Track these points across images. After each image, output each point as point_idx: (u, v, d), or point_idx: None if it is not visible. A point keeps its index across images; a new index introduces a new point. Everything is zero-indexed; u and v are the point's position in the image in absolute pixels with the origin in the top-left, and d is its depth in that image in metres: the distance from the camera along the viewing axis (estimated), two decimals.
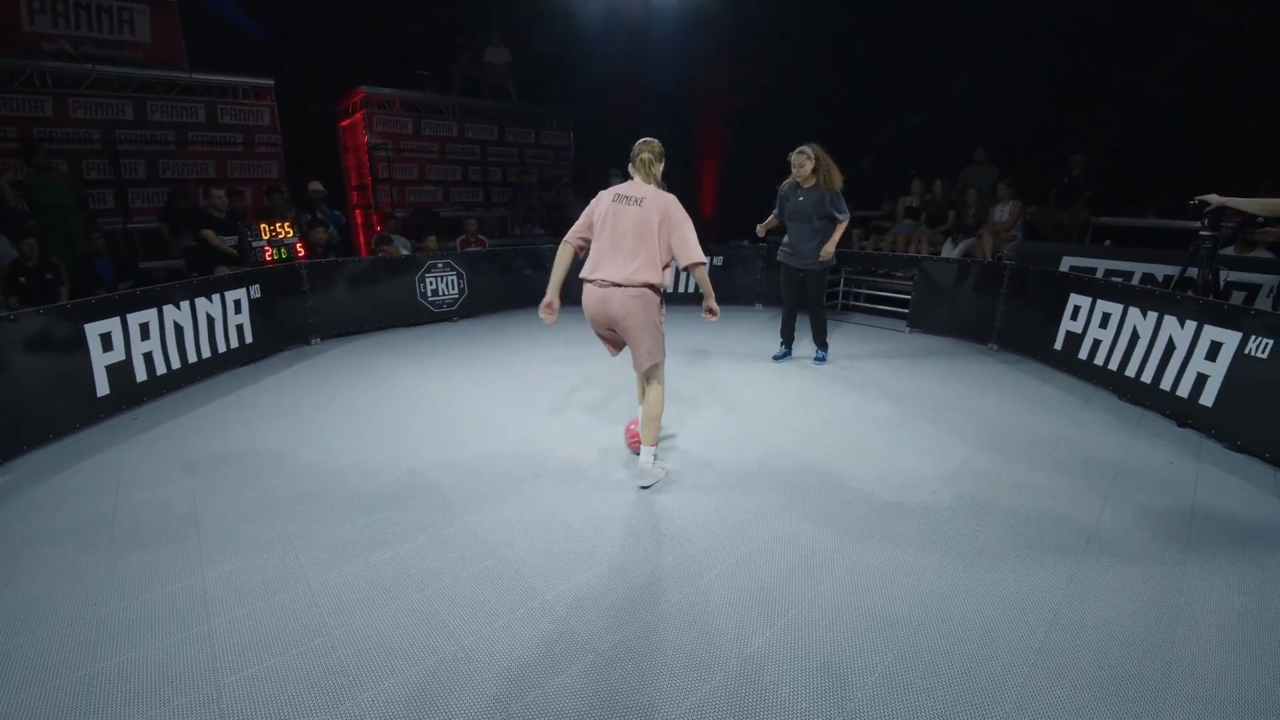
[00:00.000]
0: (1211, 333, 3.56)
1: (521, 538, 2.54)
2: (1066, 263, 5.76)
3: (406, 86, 9.61)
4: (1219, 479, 3.09)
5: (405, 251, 7.20)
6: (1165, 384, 3.84)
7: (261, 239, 5.90)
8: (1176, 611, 2.08)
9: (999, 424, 3.79)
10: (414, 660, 1.87)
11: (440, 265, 6.76)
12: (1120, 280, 4.69)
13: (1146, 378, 3.99)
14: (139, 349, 4.15)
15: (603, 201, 2.86)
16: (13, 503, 2.88)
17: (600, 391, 4.38)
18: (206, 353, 4.74)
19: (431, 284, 6.73)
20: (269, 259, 5.89)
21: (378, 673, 1.82)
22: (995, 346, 5.59)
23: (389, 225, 7.73)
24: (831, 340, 5.77)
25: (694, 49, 10.02)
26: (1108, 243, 6.32)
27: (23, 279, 5.08)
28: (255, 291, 5.22)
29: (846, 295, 7.50)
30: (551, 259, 8.04)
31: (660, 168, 2.92)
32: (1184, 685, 1.77)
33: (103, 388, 3.89)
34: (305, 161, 9.20)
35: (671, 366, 4.98)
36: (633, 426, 3.24)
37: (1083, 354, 4.57)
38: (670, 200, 2.83)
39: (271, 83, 8.39)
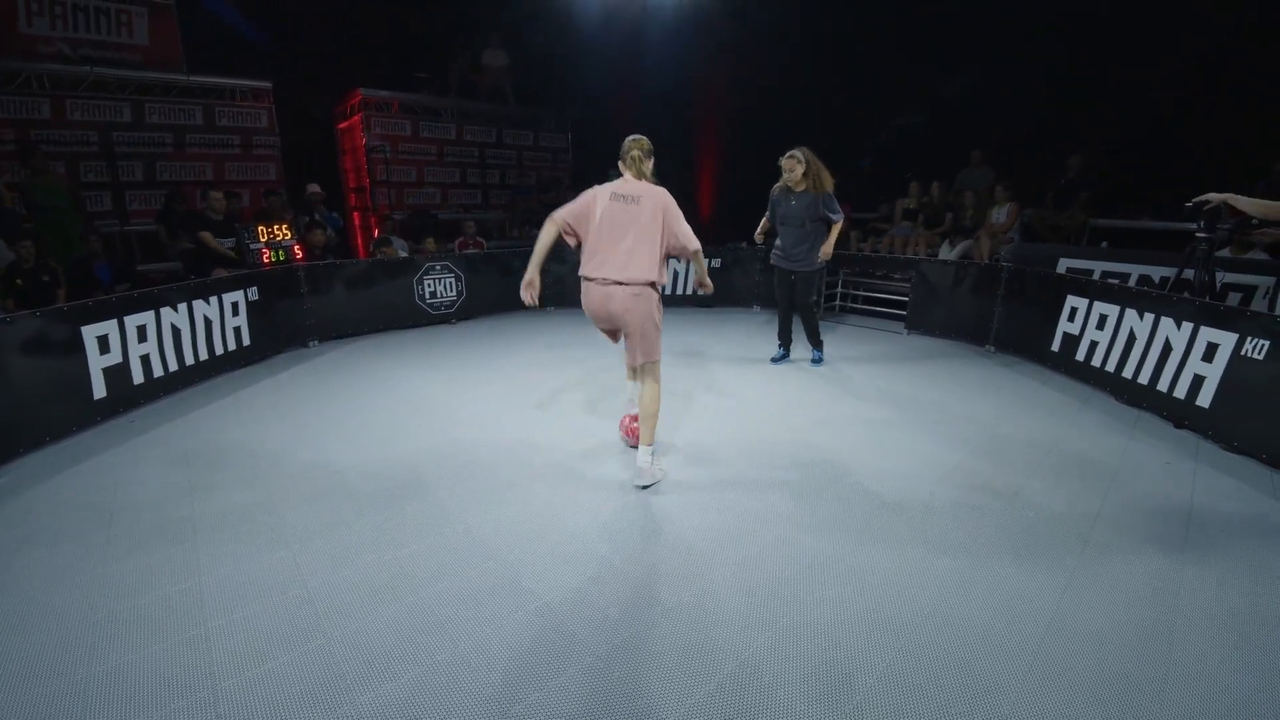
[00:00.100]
0: (1208, 334, 3.57)
1: (520, 540, 2.54)
2: (1063, 264, 5.77)
3: (405, 89, 9.61)
4: (1216, 480, 3.10)
5: (404, 254, 7.20)
6: (1162, 385, 3.85)
7: (259, 241, 5.89)
8: (1174, 613, 2.09)
9: (997, 426, 3.80)
10: (412, 663, 1.86)
11: (438, 267, 6.76)
12: (1117, 282, 4.70)
13: (1143, 379, 4.00)
14: (136, 351, 4.13)
15: (599, 199, 2.87)
16: (9, 505, 2.87)
17: (598, 392, 4.38)
18: (204, 355, 4.73)
19: (429, 286, 6.73)
20: (267, 261, 5.89)
21: (376, 675, 1.82)
22: (993, 348, 5.60)
23: (387, 227, 7.73)
24: (829, 342, 5.78)
25: (692, 50, 10.04)
26: (1104, 244, 6.34)
27: (19, 281, 5.07)
28: (253, 294, 5.21)
29: (844, 297, 7.51)
30: (551, 260, 8.00)
31: (650, 164, 2.96)
32: (1181, 686, 1.77)
33: (100, 390, 3.88)
34: (303, 164, 9.19)
35: (670, 368, 4.98)
36: (627, 420, 3.26)
37: (1080, 355, 4.58)
38: (666, 195, 2.89)
39: (269, 85, 8.39)
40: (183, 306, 4.51)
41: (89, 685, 1.78)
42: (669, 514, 2.74)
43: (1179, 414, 3.73)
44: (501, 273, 7.22)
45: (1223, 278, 4.36)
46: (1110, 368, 4.29)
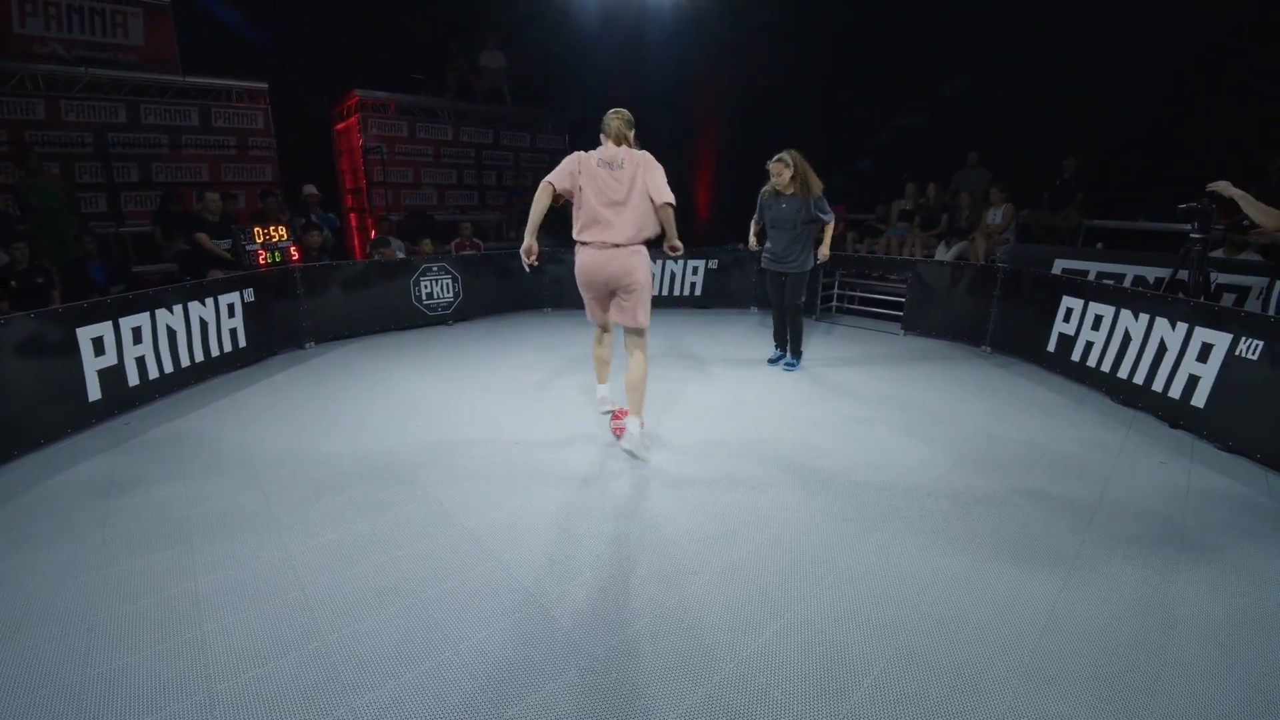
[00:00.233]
0: (1202, 334, 3.59)
1: (518, 541, 2.53)
2: (1059, 265, 5.80)
3: (402, 90, 9.60)
4: (1211, 480, 3.11)
5: (401, 255, 7.20)
6: (1157, 385, 3.87)
7: (255, 242, 5.88)
8: (1169, 613, 2.10)
9: (992, 426, 3.81)
10: (409, 665, 1.86)
11: (435, 268, 6.75)
12: (1112, 283, 4.72)
13: (1139, 379, 4.02)
14: (131, 353, 4.12)
15: (584, 163, 2.99)
16: (4, 508, 2.86)
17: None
18: (200, 357, 4.71)
19: (426, 287, 6.72)
20: (263, 263, 5.87)
21: (373, 678, 1.81)
22: (989, 349, 5.62)
23: (384, 228, 7.72)
24: (827, 343, 5.80)
25: (691, 51, 10.05)
26: (1100, 245, 6.37)
27: (13, 283, 5.05)
28: (249, 295, 5.20)
29: (841, 298, 7.53)
30: (549, 261, 8.03)
31: (631, 134, 3.07)
32: (1177, 687, 1.78)
33: (94, 392, 3.86)
34: (300, 165, 9.17)
35: (666, 368, 5.00)
36: (616, 419, 3.39)
37: (1075, 356, 4.60)
38: (647, 155, 3.03)
39: (266, 86, 8.38)
40: (178, 308, 4.50)
41: (84, 688, 1.77)
42: (666, 515, 2.74)
43: (1174, 414, 3.75)
44: (499, 274, 7.23)
45: (1216, 278, 4.40)
46: (1106, 368, 4.31)
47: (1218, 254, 4.89)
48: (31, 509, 2.86)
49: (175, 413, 4.13)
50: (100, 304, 3.96)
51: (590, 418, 3.90)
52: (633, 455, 3.14)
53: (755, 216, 4.95)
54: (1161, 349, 3.86)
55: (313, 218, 7.31)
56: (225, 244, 6.00)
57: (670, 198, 2.97)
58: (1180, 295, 3.94)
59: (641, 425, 3.15)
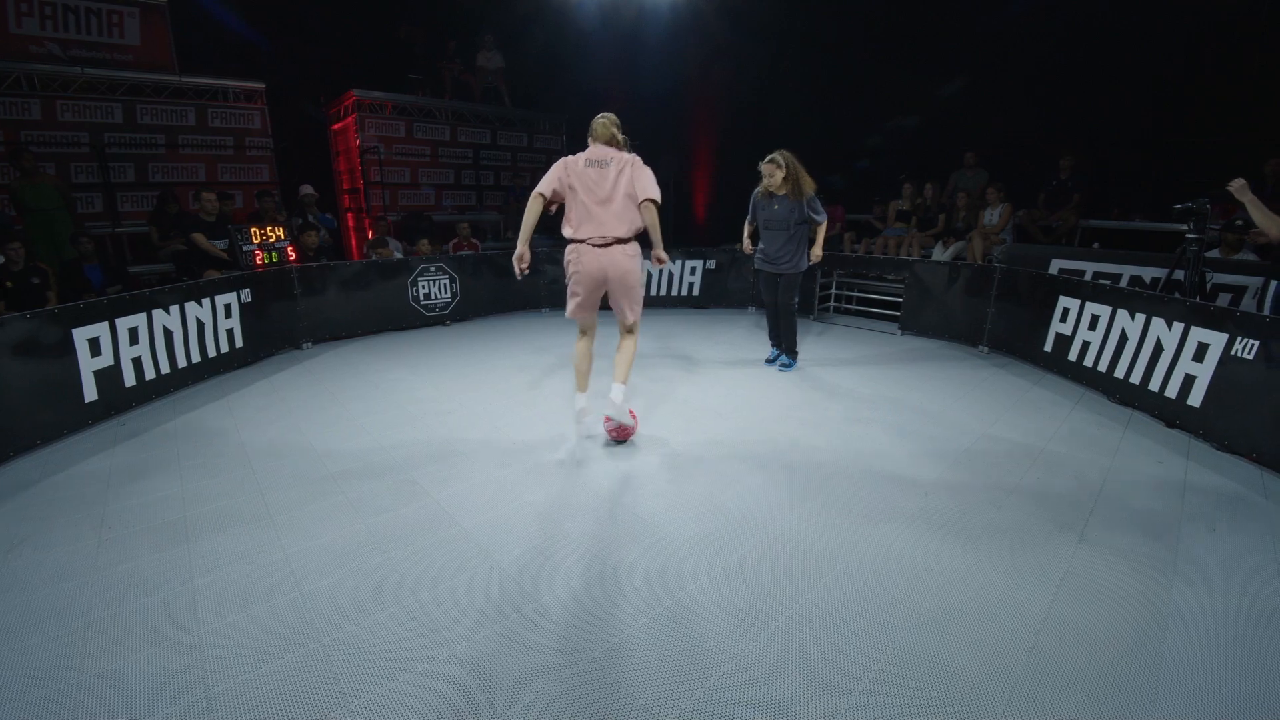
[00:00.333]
0: (1198, 334, 3.60)
1: (515, 542, 2.53)
2: (1055, 265, 5.81)
3: (399, 90, 9.59)
4: (1207, 479, 3.12)
5: (398, 255, 7.18)
6: (1154, 385, 3.88)
7: (252, 243, 5.86)
8: (1166, 612, 2.10)
9: (989, 426, 3.82)
10: (407, 666, 1.86)
11: (433, 269, 6.75)
12: (1109, 282, 4.74)
13: (1135, 379, 4.04)
14: (127, 354, 4.11)
15: (571, 167, 3.08)
16: (0, 509, 2.85)
17: (592, 395, 4.37)
18: (196, 357, 4.70)
19: (424, 288, 6.71)
20: (260, 263, 5.86)
21: (371, 679, 1.81)
22: (986, 349, 5.63)
23: (381, 228, 7.71)
24: (824, 343, 5.80)
25: (689, 52, 10.05)
26: (1096, 245, 6.39)
27: (9, 284, 5.02)
28: (246, 296, 5.19)
29: (838, 299, 7.54)
30: (546, 261, 8.04)
31: (620, 135, 3.16)
32: (1174, 686, 1.78)
33: (90, 393, 3.85)
34: (297, 165, 9.16)
35: (663, 369, 5.01)
36: (608, 417, 3.42)
37: (1072, 356, 4.61)
38: (634, 156, 3.13)
39: (262, 86, 8.35)
40: (175, 308, 4.49)
41: (80, 690, 1.77)
42: (664, 516, 2.74)
43: (1170, 414, 3.76)
44: (496, 274, 7.22)
45: (1212, 278, 4.41)
46: (1102, 368, 4.32)
47: (1214, 254, 4.91)
48: (28, 510, 2.84)
49: (172, 414, 4.12)
50: (96, 304, 3.95)
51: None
52: (612, 419, 3.33)
53: (749, 218, 4.95)
54: (1158, 349, 3.87)
55: (310, 218, 7.30)
56: (222, 244, 5.99)
57: (655, 194, 3.03)
58: (1176, 295, 3.96)
59: (624, 395, 3.36)
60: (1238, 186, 3.69)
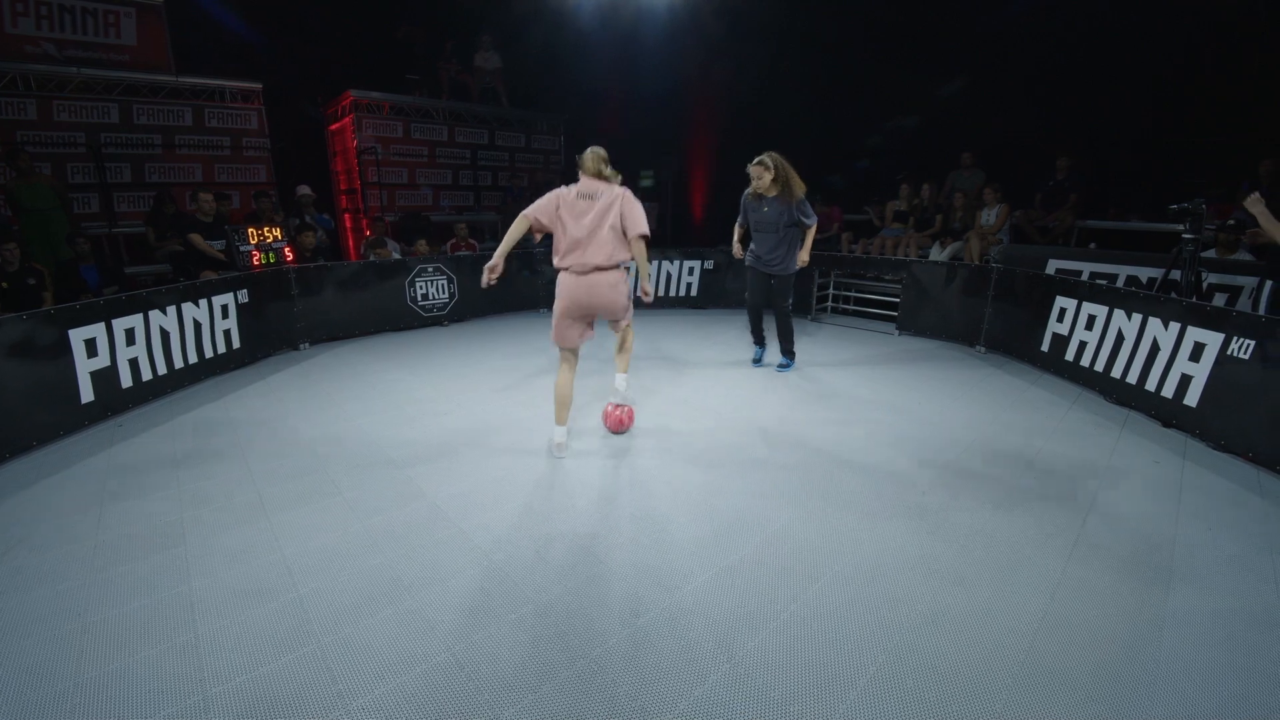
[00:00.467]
0: (1195, 334, 3.61)
1: (513, 542, 2.53)
2: (1052, 265, 5.83)
3: (396, 90, 9.58)
4: (1203, 479, 3.13)
5: (396, 255, 7.18)
6: (1150, 385, 3.89)
7: (249, 243, 5.85)
8: (1163, 611, 2.11)
9: (987, 426, 3.83)
10: (405, 667, 1.86)
11: (430, 269, 6.74)
12: (1105, 283, 4.75)
13: (1132, 379, 4.05)
14: (124, 355, 4.10)
15: (563, 199, 3.18)
16: None
17: (590, 395, 4.37)
18: (193, 358, 4.69)
19: (421, 288, 6.70)
20: (257, 263, 5.85)
21: (369, 680, 1.81)
22: (983, 349, 5.64)
23: (378, 229, 7.70)
24: (821, 344, 5.81)
25: (686, 52, 10.05)
26: (1093, 245, 6.41)
27: (5, 284, 5.01)
28: (243, 296, 5.18)
29: (836, 299, 7.55)
30: (544, 262, 8.04)
31: (608, 169, 3.25)
32: (1170, 685, 1.79)
33: (87, 394, 3.84)
34: (294, 165, 9.14)
35: (661, 369, 5.02)
36: (609, 410, 3.63)
37: (1069, 355, 4.62)
38: (625, 190, 3.23)
39: (259, 86, 8.33)
40: (171, 309, 4.48)
41: (77, 692, 1.76)
42: (662, 517, 2.74)
43: (1167, 413, 3.77)
44: None
45: (1208, 278, 4.43)
46: (1099, 367, 4.33)
47: (1210, 254, 4.93)
48: (24, 512, 2.83)
49: (168, 415, 4.11)
50: (93, 305, 3.94)
51: (586, 419, 3.89)
52: (616, 405, 3.60)
53: (739, 219, 4.93)
54: (1154, 349, 3.88)
55: (307, 218, 7.29)
56: (219, 245, 5.97)
57: (645, 229, 3.15)
58: (1173, 295, 3.97)
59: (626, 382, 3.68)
60: (1252, 200, 3.72)
